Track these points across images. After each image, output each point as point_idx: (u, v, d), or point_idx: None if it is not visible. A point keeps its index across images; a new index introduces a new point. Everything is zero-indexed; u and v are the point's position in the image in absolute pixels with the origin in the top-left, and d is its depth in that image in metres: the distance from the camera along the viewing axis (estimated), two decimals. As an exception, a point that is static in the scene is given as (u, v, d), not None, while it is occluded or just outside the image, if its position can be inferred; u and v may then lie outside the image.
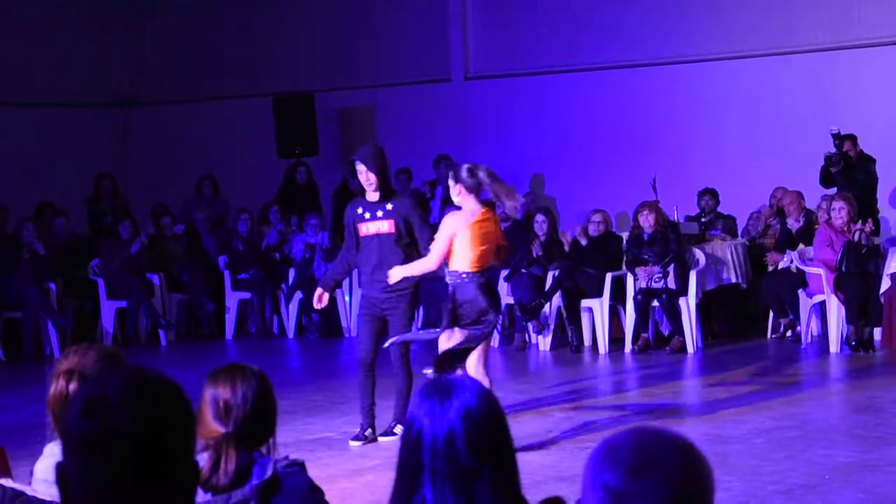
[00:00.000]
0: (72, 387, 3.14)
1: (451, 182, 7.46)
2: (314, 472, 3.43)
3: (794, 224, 12.03)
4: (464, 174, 7.37)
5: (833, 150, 11.71)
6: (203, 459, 3.22)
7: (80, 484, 1.91)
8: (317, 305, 8.39)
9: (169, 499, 1.93)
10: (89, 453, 1.89)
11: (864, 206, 11.61)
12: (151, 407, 1.93)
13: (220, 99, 16.36)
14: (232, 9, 16.54)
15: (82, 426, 1.90)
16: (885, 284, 10.53)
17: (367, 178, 7.86)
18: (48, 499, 3.19)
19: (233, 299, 13.43)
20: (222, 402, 3.32)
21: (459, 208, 7.47)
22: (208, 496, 3.21)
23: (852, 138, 11.92)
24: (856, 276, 10.84)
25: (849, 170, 11.77)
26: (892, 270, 10.47)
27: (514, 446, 2.47)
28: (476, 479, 2.35)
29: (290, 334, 13.24)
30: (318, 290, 8.28)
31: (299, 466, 3.34)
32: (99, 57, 16.57)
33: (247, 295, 13.39)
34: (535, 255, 11.82)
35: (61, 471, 1.95)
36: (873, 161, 11.98)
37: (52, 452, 3.23)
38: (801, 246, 11.67)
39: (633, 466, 1.76)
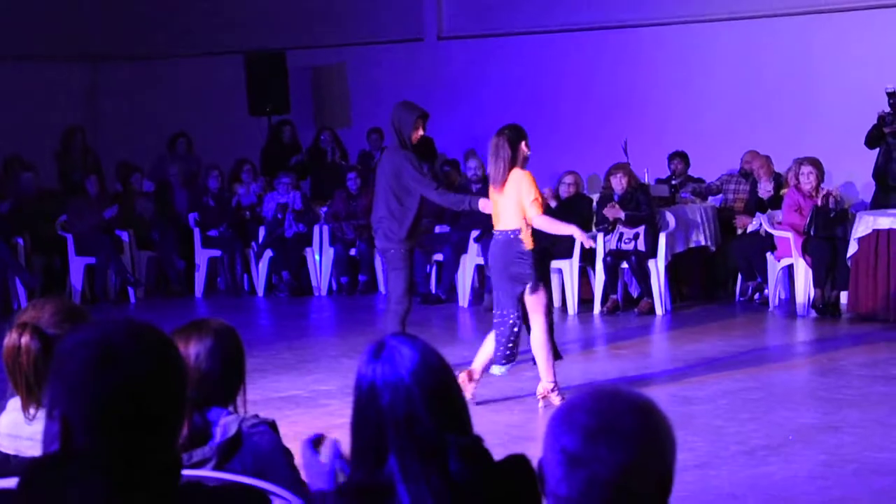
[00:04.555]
0: (24, 340, 3.12)
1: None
2: (281, 430, 3.42)
3: (763, 188, 12.07)
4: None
5: (888, 109, 11.39)
6: None
7: (87, 430, 1.99)
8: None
9: (163, 438, 2.05)
10: (105, 401, 1.98)
11: None
12: (162, 354, 2.06)
13: (191, 56, 16.21)
14: (203, -36, 16.38)
15: (100, 376, 1.99)
16: (853, 249, 10.60)
17: None
18: (11, 452, 3.19)
19: (202, 257, 13.38)
20: None
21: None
22: None
23: None
24: (823, 241, 10.91)
25: None
26: (859, 235, 10.54)
27: (465, 400, 2.56)
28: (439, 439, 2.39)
29: (260, 293, 13.22)
30: None
31: (268, 426, 3.31)
32: (70, 11, 16.38)
33: (217, 252, 13.35)
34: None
35: (64, 420, 1.99)
36: None
37: (15, 407, 3.22)
38: (769, 210, 11.73)
39: (590, 430, 1.77)
